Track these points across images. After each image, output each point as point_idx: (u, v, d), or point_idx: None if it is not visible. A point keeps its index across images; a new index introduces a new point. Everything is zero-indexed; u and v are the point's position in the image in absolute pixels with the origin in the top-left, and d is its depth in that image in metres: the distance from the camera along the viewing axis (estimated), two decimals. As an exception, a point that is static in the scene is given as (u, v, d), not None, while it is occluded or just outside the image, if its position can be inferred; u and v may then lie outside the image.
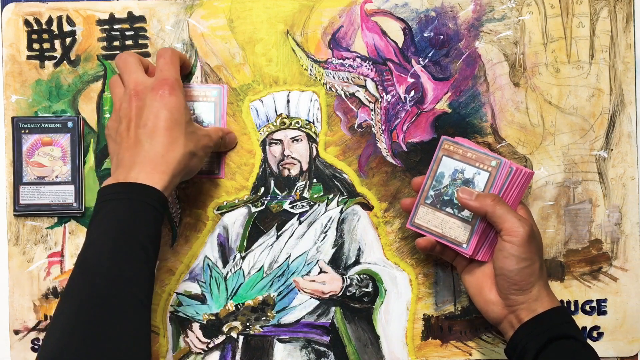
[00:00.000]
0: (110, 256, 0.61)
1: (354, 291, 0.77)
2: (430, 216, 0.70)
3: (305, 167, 0.78)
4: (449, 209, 0.69)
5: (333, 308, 0.77)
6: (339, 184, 0.77)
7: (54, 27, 0.77)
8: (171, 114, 0.66)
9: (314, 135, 0.77)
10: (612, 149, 0.77)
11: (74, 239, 0.77)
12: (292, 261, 0.77)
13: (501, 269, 0.65)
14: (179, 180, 0.68)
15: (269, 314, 0.77)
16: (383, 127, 0.77)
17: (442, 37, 0.77)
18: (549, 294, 0.67)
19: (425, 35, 0.77)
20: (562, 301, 0.77)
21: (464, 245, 0.69)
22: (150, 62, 0.74)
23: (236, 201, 0.77)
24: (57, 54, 0.77)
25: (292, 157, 0.77)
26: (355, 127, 0.77)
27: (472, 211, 0.67)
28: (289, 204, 0.78)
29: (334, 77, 0.77)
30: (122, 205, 0.63)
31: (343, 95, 0.77)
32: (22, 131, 0.76)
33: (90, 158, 0.77)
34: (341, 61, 0.77)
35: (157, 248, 0.65)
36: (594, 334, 0.77)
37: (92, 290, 0.60)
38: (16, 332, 0.77)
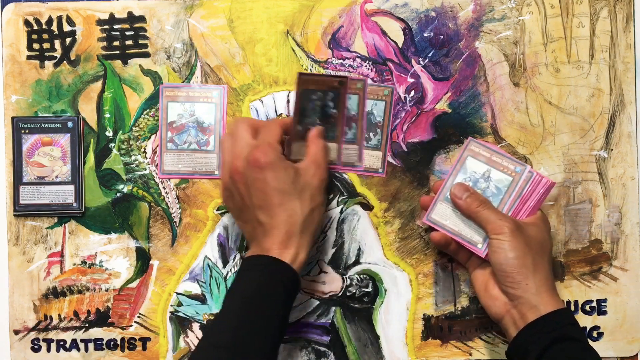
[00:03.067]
0: (237, 324, 0.63)
1: (354, 291, 0.77)
2: (448, 213, 0.71)
3: (305, 167, 0.77)
4: None
5: (333, 308, 0.77)
6: (339, 184, 0.77)
7: (54, 27, 0.77)
8: (276, 186, 0.65)
9: (314, 135, 0.77)
10: (612, 149, 0.77)
11: (73, 239, 0.77)
12: (292, 261, 0.77)
13: (494, 264, 0.67)
14: (309, 243, 0.68)
15: (269, 314, 0.77)
16: (383, 127, 0.77)
17: (442, 37, 0.77)
18: (553, 294, 0.67)
19: (425, 35, 0.77)
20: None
21: (479, 246, 0.70)
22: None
23: (236, 201, 0.77)
24: (57, 54, 0.77)
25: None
26: (355, 127, 0.77)
27: (460, 210, 0.70)
28: (289, 204, 0.77)
29: (334, 77, 0.77)
30: (256, 278, 0.65)
31: (343, 95, 0.77)
32: (22, 131, 0.76)
33: (90, 158, 0.77)
34: (341, 61, 0.77)
35: (283, 323, 0.65)
36: (594, 334, 0.77)
37: (216, 352, 0.62)
38: (16, 332, 0.77)
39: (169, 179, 0.77)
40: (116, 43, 0.77)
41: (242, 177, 0.67)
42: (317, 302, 0.77)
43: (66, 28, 0.77)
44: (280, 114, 0.77)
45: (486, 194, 0.70)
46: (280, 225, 0.65)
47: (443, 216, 0.71)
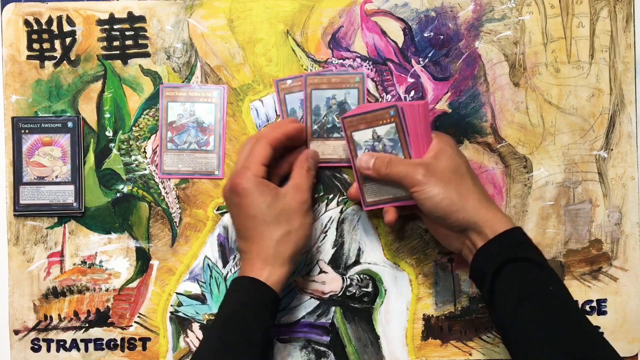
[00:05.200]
0: (217, 344, 0.65)
1: (354, 291, 0.77)
2: (375, 188, 0.71)
3: (305, 167, 0.77)
4: None
5: (333, 308, 0.77)
6: (339, 184, 0.77)
7: (54, 27, 0.77)
8: (249, 213, 0.67)
9: (314, 135, 0.77)
10: (612, 149, 0.77)
11: (73, 239, 0.77)
12: (292, 261, 0.77)
13: (427, 213, 0.67)
14: (286, 264, 0.68)
15: (269, 314, 0.77)
16: (383, 127, 0.77)
17: (442, 37, 0.77)
18: (495, 213, 0.66)
19: (425, 35, 0.77)
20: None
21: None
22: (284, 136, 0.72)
23: (236, 201, 0.77)
24: (57, 54, 0.77)
25: (292, 157, 0.77)
26: (355, 127, 0.77)
27: (374, 180, 0.70)
28: (289, 204, 0.77)
29: (334, 77, 0.77)
30: (238, 298, 0.67)
31: (343, 95, 0.77)
32: (22, 131, 0.76)
33: (90, 158, 0.77)
34: (341, 61, 0.77)
35: (266, 337, 0.66)
36: (594, 334, 0.77)
37: None
38: (16, 332, 0.77)
39: (169, 179, 0.77)
40: (116, 43, 0.77)
41: (226, 201, 0.70)
42: (317, 302, 0.77)
43: (66, 28, 0.77)
44: (280, 115, 0.77)
45: (386, 150, 0.69)
46: (253, 250, 0.68)
47: (374, 194, 0.71)
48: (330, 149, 0.75)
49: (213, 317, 0.69)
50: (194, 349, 0.77)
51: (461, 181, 0.67)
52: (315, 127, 0.75)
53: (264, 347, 0.66)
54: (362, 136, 0.70)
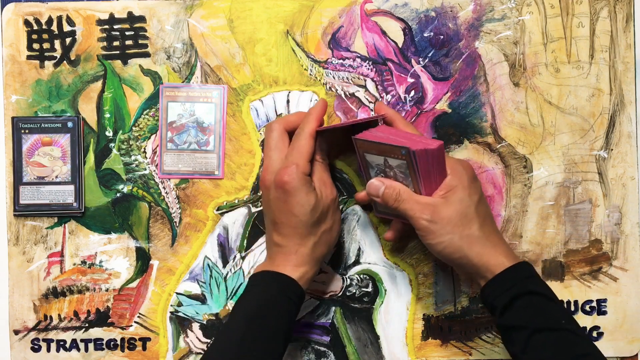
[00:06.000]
0: (240, 339, 0.64)
1: (354, 291, 0.77)
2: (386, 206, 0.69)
3: (305, 167, 0.77)
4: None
5: (333, 308, 0.77)
6: (339, 184, 0.77)
7: (54, 27, 0.77)
8: (294, 212, 0.67)
9: (314, 135, 0.77)
10: (612, 149, 0.77)
11: (73, 239, 0.77)
12: (292, 261, 0.77)
13: (434, 254, 0.67)
14: (317, 266, 0.70)
15: (269, 314, 0.77)
16: (383, 127, 0.77)
17: (442, 37, 0.77)
18: (503, 252, 0.66)
19: (425, 35, 0.77)
20: (562, 301, 0.77)
21: None
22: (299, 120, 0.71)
23: (236, 201, 0.77)
24: (57, 54, 0.77)
25: (292, 157, 0.77)
26: (355, 127, 0.77)
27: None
28: (289, 204, 0.77)
29: (333, 77, 0.77)
30: (261, 293, 0.67)
31: (343, 95, 0.77)
32: (22, 131, 0.76)
33: (90, 158, 0.77)
34: (341, 61, 0.77)
35: (287, 336, 0.67)
36: (594, 334, 0.77)
37: None
38: (16, 332, 0.77)
39: (169, 178, 0.77)
40: (116, 43, 0.77)
41: (267, 192, 0.69)
42: (317, 302, 0.77)
43: (66, 28, 0.77)
44: (281, 114, 0.77)
45: (398, 180, 0.68)
46: (291, 248, 0.68)
47: (386, 207, 0.69)
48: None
49: (232, 310, 0.68)
50: (194, 349, 0.77)
51: (468, 226, 0.66)
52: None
53: (286, 343, 0.66)
54: (375, 159, 0.68)
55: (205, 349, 0.77)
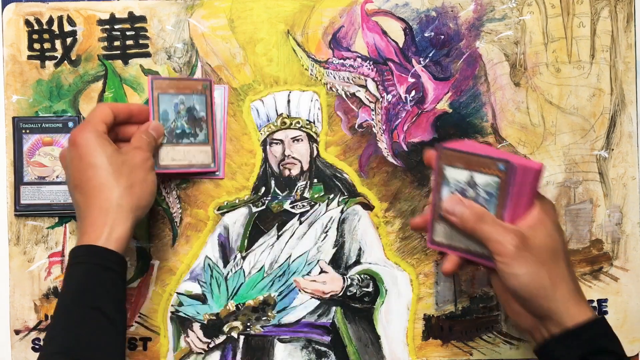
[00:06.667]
0: (65, 323, 0.61)
1: (355, 291, 0.77)
2: (448, 232, 0.63)
3: (305, 167, 0.78)
4: None
5: (334, 308, 0.77)
6: (339, 184, 0.77)
7: (55, 27, 0.77)
8: (89, 162, 0.64)
9: (314, 135, 0.77)
10: (612, 149, 0.77)
11: (74, 238, 0.77)
12: (293, 261, 0.77)
13: (508, 288, 0.60)
14: (130, 218, 0.65)
15: (269, 314, 0.77)
16: (384, 127, 0.77)
17: (442, 37, 0.77)
18: (580, 303, 0.60)
19: (426, 35, 0.77)
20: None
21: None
22: (131, 108, 0.72)
23: (237, 201, 0.77)
24: (58, 54, 0.77)
25: (293, 157, 0.77)
26: (356, 127, 0.77)
27: (457, 227, 0.62)
28: (290, 204, 0.78)
29: (334, 77, 0.77)
30: (74, 272, 0.63)
31: (344, 95, 0.77)
32: (23, 131, 0.76)
33: (91, 158, 0.77)
34: (342, 61, 0.77)
35: (118, 304, 0.64)
36: (595, 334, 0.77)
37: (50, 355, 0.60)
38: (17, 332, 0.77)
39: (165, 173, 0.75)
40: (117, 43, 0.77)
41: (64, 161, 0.67)
42: (318, 302, 0.77)
43: (67, 28, 0.77)
44: (281, 114, 0.77)
45: (479, 202, 0.61)
46: (94, 203, 0.64)
47: (446, 236, 0.64)
48: (180, 155, 0.73)
49: (59, 294, 0.65)
50: (194, 348, 0.77)
51: (556, 265, 0.59)
52: (165, 132, 0.73)
53: (122, 313, 0.64)
54: (456, 174, 0.61)
55: (206, 349, 0.77)
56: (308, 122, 0.77)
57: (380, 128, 0.77)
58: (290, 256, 0.77)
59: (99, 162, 0.64)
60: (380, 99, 0.77)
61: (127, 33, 0.77)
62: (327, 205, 0.77)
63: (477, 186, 0.61)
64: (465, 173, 0.61)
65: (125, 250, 0.65)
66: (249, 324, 0.77)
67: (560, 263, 0.60)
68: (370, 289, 0.78)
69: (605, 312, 0.77)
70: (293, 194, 0.77)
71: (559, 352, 0.59)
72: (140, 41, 0.77)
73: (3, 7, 0.76)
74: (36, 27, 0.77)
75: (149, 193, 0.68)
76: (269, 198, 0.78)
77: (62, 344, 0.60)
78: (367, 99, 0.77)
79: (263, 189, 0.78)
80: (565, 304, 0.59)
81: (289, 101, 0.77)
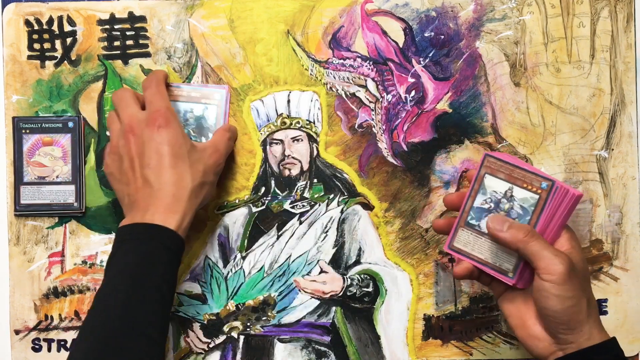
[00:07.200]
0: (125, 297, 0.61)
1: (355, 291, 0.77)
2: (471, 240, 0.64)
3: (305, 167, 0.78)
4: None
5: (334, 308, 0.77)
6: (339, 184, 0.77)
7: (55, 27, 0.77)
8: (172, 148, 0.66)
9: (314, 135, 0.77)
10: (612, 149, 0.77)
11: (74, 238, 0.77)
12: (293, 261, 0.77)
13: (545, 309, 0.59)
14: (193, 213, 0.67)
15: (269, 313, 0.77)
16: (384, 127, 0.77)
17: (442, 37, 0.77)
18: (601, 329, 0.61)
19: (426, 35, 0.77)
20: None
21: (510, 275, 0.62)
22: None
23: (237, 201, 0.77)
24: (58, 53, 0.77)
25: (293, 157, 0.78)
26: (356, 127, 0.77)
27: (502, 244, 0.61)
28: (290, 204, 0.78)
29: (334, 77, 0.77)
30: (138, 247, 0.64)
31: (344, 95, 0.77)
32: (23, 131, 0.76)
33: (91, 158, 0.77)
34: (342, 61, 0.77)
35: (172, 288, 0.65)
36: (595, 333, 0.77)
37: (107, 330, 0.60)
38: (17, 332, 0.77)
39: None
40: (117, 43, 0.77)
41: (137, 138, 0.66)
42: (318, 302, 0.77)
43: (67, 28, 0.77)
44: (281, 114, 0.77)
45: (511, 216, 0.62)
46: (167, 187, 0.65)
47: (466, 244, 0.64)
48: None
49: (106, 272, 0.65)
50: (194, 348, 0.77)
51: (590, 291, 0.61)
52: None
53: (171, 296, 0.64)
54: (495, 184, 0.62)
55: (206, 349, 0.77)
56: (308, 122, 0.77)
57: (380, 128, 0.77)
58: (290, 256, 0.77)
59: (181, 154, 0.66)
60: (380, 99, 0.77)
61: (127, 33, 0.77)
62: (327, 205, 0.77)
63: (513, 200, 0.62)
64: (504, 184, 0.62)
65: (184, 235, 0.66)
66: (249, 324, 0.77)
67: (590, 289, 0.62)
68: (370, 289, 0.78)
69: (605, 312, 0.77)
70: (293, 194, 0.78)
71: None
72: (140, 41, 0.77)
73: (3, 7, 0.76)
74: (36, 27, 0.77)
75: (211, 197, 0.72)
76: (269, 198, 0.78)
77: (122, 316, 0.60)
78: (367, 99, 0.77)
79: (263, 189, 0.78)
80: (592, 331, 0.60)
81: (289, 101, 0.77)
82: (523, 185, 0.62)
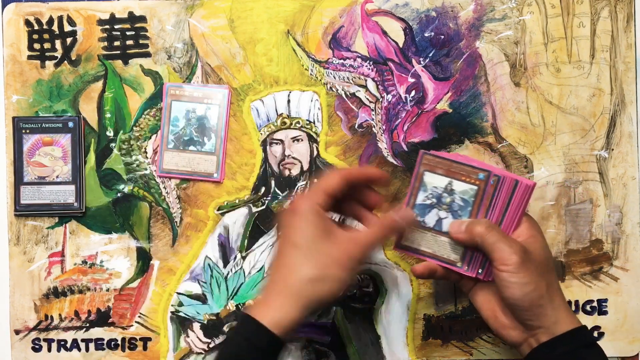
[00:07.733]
0: None
1: (355, 291, 0.77)
2: (417, 236, 0.66)
3: (306, 167, 0.78)
4: (437, 227, 0.65)
5: (334, 308, 0.77)
6: (339, 184, 0.77)
7: (55, 27, 0.77)
8: (292, 237, 0.60)
9: (314, 135, 0.77)
10: (612, 149, 0.77)
11: (74, 238, 0.77)
12: (293, 261, 0.77)
13: (507, 298, 0.61)
14: (302, 313, 0.58)
15: (269, 313, 0.77)
16: (384, 127, 0.77)
17: (442, 37, 0.77)
18: (568, 313, 0.62)
19: (426, 35, 0.77)
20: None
21: (458, 264, 0.65)
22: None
23: (237, 201, 0.77)
24: (58, 53, 0.77)
25: (293, 157, 0.78)
26: (356, 127, 0.77)
27: (466, 244, 0.63)
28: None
29: (334, 77, 0.77)
30: (232, 342, 0.61)
31: (344, 95, 0.77)
32: (23, 131, 0.76)
33: (91, 158, 0.77)
34: (342, 61, 0.77)
35: None
36: (595, 334, 0.77)
37: None
38: (17, 332, 0.77)
39: (168, 177, 0.77)
40: (117, 43, 0.77)
41: (279, 224, 0.63)
42: (318, 302, 0.77)
43: (67, 28, 0.77)
44: (281, 114, 0.77)
45: (453, 209, 0.64)
46: (279, 281, 0.59)
47: (413, 241, 0.66)
48: (185, 161, 0.76)
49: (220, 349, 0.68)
50: (194, 349, 0.77)
51: (551, 276, 0.62)
52: (172, 137, 0.75)
53: None
54: (434, 180, 0.64)
55: (206, 349, 0.77)
56: (308, 122, 0.77)
57: (380, 128, 0.77)
58: (290, 256, 0.77)
59: (302, 243, 0.59)
60: (380, 99, 0.77)
61: (127, 33, 0.77)
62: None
63: (454, 193, 0.64)
64: (444, 179, 0.64)
65: (287, 335, 0.58)
66: (249, 324, 0.77)
67: (552, 274, 0.63)
68: (370, 289, 0.78)
69: (605, 312, 0.77)
70: (293, 194, 0.78)
71: (549, 355, 0.61)
72: (140, 41, 0.77)
73: (3, 7, 0.77)
74: (36, 27, 0.77)
75: (334, 293, 0.59)
76: (269, 198, 0.78)
77: None
78: (367, 99, 0.77)
79: (263, 189, 0.78)
80: (558, 311, 0.61)
81: (289, 101, 0.77)
82: (461, 178, 0.64)
